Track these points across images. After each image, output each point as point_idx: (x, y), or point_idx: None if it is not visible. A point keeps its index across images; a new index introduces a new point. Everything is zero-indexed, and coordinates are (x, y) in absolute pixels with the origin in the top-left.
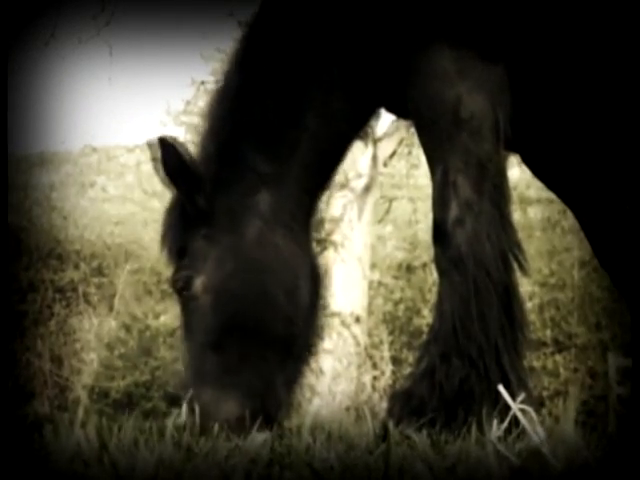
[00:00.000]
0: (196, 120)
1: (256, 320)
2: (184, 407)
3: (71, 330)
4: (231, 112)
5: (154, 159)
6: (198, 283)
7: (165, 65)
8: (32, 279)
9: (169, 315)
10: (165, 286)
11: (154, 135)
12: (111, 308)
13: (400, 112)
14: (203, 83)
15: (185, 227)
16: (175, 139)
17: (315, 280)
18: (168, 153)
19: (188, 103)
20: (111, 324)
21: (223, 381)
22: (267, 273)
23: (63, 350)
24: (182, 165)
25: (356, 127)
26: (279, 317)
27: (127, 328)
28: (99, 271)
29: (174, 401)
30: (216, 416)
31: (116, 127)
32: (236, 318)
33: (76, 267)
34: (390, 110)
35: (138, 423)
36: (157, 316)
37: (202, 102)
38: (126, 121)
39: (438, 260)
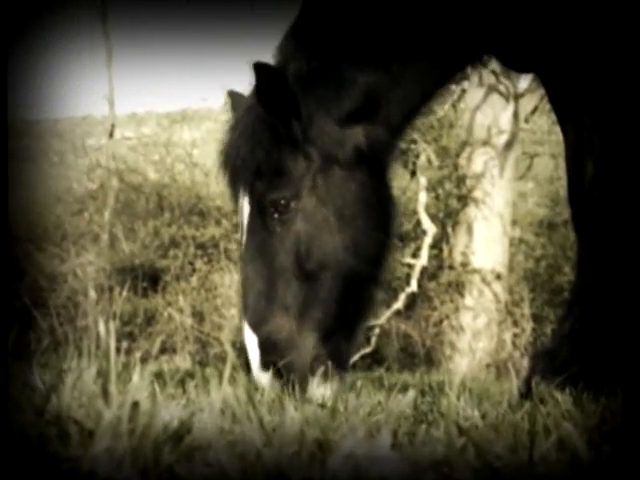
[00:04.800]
0: None
1: (354, 261)
2: (248, 334)
3: (212, 286)
4: (324, 30)
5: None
6: (298, 207)
7: None
8: (174, 235)
9: None
10: None
11: None
12: None
13: (517, 66)
14: None
15: (279, 147)
16: (270, 65)
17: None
18: (262, 78)
19: None
20: None
21: (305, 314)
22: (370, 217)
23: (204, 306)
24: (278, 90)
25: (456, 68)
26: (376, 263)
27: None
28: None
29: None
30: (291, 350)
31: None
32: (334, 254)
33: (217, 223)
34: (505, 63)
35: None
36: None
37: None
38: None
39: (575, 220)
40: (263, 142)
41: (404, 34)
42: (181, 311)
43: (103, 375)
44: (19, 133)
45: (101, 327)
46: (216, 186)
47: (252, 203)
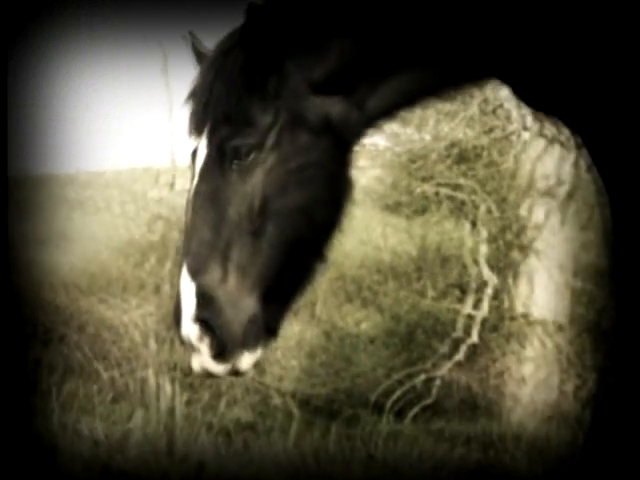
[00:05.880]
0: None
1: (302, 225)
2: (185, 280)
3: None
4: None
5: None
6: (259, 160)
7: None
8: None
9: (370, 323)
10: (366, 293)
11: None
12: (312, 315)
13: (533, 103)
14: None
15: (251, 96)
16: (267, 9)
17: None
18: (256, 21)
19: None
20: (312, 331)
21: (247, 272)
22: (327, 187)
23: (264, 357)
24: (268, 37)
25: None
26: (323, 233)
27: (328, 335)
28: None
29: (375, 410)
30: (227, 309)
31: None
32: (285, 214)
33: None
34: (519, 95)
35: (341, 430)
36: (358, 323)
37: None
38: None
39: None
40: (238, 87)
41: (398, 27)
42: None
43: (168, 430)
44: (83, 184)
45: (162, 380)
46: None
47: (211, 147)
